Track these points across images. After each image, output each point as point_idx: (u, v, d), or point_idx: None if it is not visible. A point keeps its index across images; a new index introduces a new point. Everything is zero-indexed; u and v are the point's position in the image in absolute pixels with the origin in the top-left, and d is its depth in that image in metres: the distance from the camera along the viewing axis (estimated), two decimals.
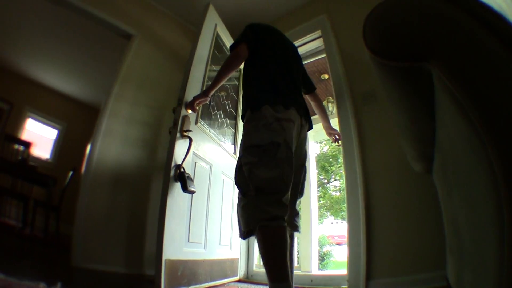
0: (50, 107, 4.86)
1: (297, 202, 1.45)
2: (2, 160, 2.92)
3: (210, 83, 1.55)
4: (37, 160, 4.19)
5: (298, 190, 1.42)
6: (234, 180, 1.32)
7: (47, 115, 4.84)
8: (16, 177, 2.94)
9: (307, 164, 1.53)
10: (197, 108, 1.69)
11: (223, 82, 1.53)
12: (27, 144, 3.03)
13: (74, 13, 2.63)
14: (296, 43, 2.53)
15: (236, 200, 1.30)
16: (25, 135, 4.51)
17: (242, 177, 1.23)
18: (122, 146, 2.34)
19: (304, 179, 1.47)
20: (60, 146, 4.82)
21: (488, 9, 0.57)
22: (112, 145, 2.28)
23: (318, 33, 2.55)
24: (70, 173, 3.31)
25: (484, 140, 0.43)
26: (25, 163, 3.04)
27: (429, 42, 0.56)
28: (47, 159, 4.67)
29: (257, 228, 1.11)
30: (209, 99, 1.61)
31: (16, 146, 3.03)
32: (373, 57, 0.66)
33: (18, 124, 4.49)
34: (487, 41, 0.51)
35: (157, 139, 2.54)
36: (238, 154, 1.39)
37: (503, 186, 0.39)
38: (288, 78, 1.43)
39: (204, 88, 1.93)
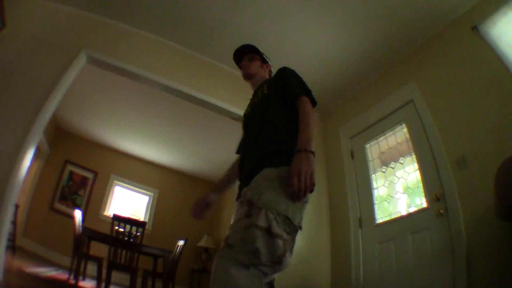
0: (140, 174, 5.39)
1: None
2: (120, 240, 3.25)
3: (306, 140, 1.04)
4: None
5: None
6: (243, 241, 0.88)
7: (135, 182, 5.34)
8: (135, 252, 3.20)
9: None
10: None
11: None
12: (142, 224, 3.33)
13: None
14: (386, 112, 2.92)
15: None
16: (113, 201, 5.02)
17: (270, 246, 0.86)
18: None
19: None
20: (153, 211, 5.24)
21: None
22: None
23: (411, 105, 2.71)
24: (181, 242, 3.64)
25: None
26: (139, 242, 3.35)
27: None
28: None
29: None
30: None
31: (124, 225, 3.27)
32: (501, 201, 1.16)
33: (106, 190, 5.03)
34: None
35: None
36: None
37: None
38: None
39: None
